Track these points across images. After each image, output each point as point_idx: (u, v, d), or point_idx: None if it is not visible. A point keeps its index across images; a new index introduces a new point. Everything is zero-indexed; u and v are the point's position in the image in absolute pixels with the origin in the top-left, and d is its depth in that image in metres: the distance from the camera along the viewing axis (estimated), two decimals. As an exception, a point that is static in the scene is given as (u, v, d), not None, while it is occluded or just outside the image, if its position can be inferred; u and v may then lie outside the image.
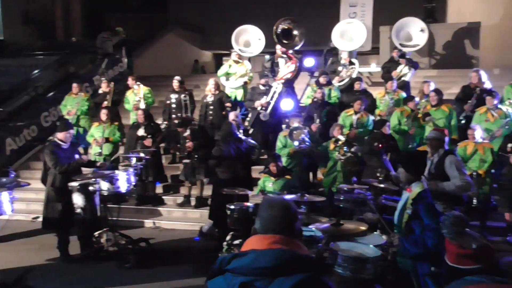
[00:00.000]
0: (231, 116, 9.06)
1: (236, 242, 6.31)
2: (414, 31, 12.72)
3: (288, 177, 7.58)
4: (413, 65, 10.98)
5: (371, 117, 9.35)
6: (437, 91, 9.02)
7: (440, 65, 14.63)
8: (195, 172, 9.14)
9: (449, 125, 8.69)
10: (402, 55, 11.35)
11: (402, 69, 10.85)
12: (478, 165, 7.57)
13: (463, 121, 9.09)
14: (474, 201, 7.15)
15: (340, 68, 10.97)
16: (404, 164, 4.58)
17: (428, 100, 9.28)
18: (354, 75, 10.92)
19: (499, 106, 8.71)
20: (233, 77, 10.81)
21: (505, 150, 7.53)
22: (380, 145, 7.88)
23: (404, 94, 9.97)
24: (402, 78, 10.79)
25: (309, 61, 11.01)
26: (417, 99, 9.67)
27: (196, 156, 8.98)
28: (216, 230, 7.65)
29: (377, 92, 10.46)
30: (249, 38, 11.98)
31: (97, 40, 14.50)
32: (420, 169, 4.63)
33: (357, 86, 10.10)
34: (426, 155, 5.38)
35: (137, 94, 10.74)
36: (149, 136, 9.33)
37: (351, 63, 11.06)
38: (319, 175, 9.09)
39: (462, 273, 2.37)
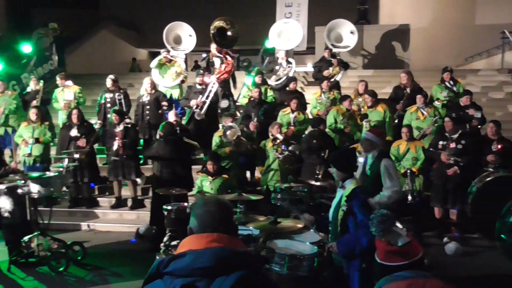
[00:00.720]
0: (172, 116, 8.91)
1: (174, 243, 6.21)
2: (345, 33, 13.09)
3: (225, 176, 7.55)
4: (344, 65, 11.22)
5: (308, 116, 9.50)
6: (372, 93, 9.28)
7: (374, 65, 15.12)
8: (123, 171, 8.95)
9: (384, 125, 8.98)
10: (334, 55, 11.60)
11: (334, 69, 11.06)
12: (411, 163, 7.83)
13: (396, 121, 9.41)
14: (409, 197, 7.36)
15: (277, 67, 11.08)
16: (335, 163, 4.67)
17: (363, 100, 9.56)
18: (291, 74, 11.07)
19: (429, 105, 9.09)
20: (169, 77, 10.66)
21: (435, 147, 7.87)
22: (318, 143, 8.05)
23: (338, 94, 10.21)
24: (334, 78, 10.98)
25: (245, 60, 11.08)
26: (352, 97, 9.96)
27: (125, 155, 8.81)
28: (154, 232, 7.56)
29: (313, 92, 10.65)
30: (179, 34, 11.89)
31: (32, 37, 13.90)
32: (351, 166, 4.73)
33: (292, 86, 10.23)
34: (354, 151, 5.51)
35: (67, 93, 10.38)
36: (82, 136, 9.05)
37: (288, 62, 11.19)
38: (257, 173, 9.14)
39: (391, 270, 2.46)
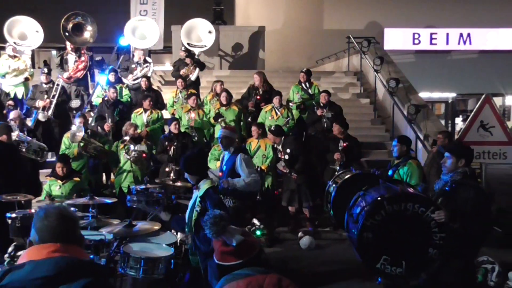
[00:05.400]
0: (13, 115, 8.24)
1: (20, 253, 5.75)
2: (203, 32, 13.19)
3: (77, 179, 7.18)
4: (198, 65, 11.30)
5: (162, 114, 9.41)
6: (228, 92, 9.46)
7: (230, 65, 15.43)
8: None
9: (239, 124, 9.19)
10: (189, 55, 11.62)
11: (188, 69, 11.07)
12: (261, 161, 8.03)
13: (249, 119, 9.69)
14: (258, 196, 7.44)
15: (133, 66, 10.81)
16: (185, 168, 4.67)
17: (219, 100, 9.69)
18: (149, 74, 10.87)
19: (283, 105, 9.48)
20: (10, 74, 9.88)
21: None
22: (170, 144, 8.03)
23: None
24: (189, 77, 10.97)
25: (98, 57, 10.68)
26: (208, 97, 10.05)
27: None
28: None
29: (171, 91, 10.57)
30: (24, 30, 11.12)
31: None
32: (202, 167, 4.75)
33: (144, 84, 10.07)
34: (203, 153, 5.54)
35: None
36: None
37: (145, 61, 10.97)
38: (113, 176, 8.83)
39: (228, 270, 2.52)
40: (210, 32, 13.19)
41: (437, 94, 18.68)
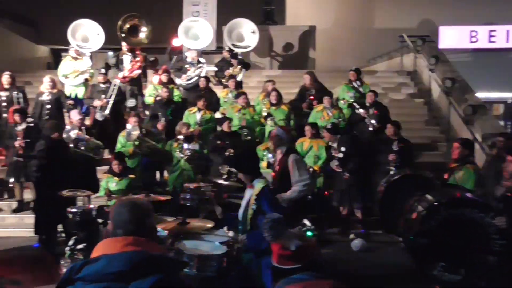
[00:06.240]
0: (74, 115, 8.54)
1: (80, 246, 5.99)
2: (246, 32, 13.13)
3: (132, 176, 7.40)
4: (244, 65, 11.33)
5: (216, 115, 9.50)
6: (277, 91, 9.44)
7: (281, 65, 15.41)
8: (25, 172, 8.46)
9: (289, 124, 9.15)
10: (234, 55, 11.67)
11: (234, 69, 11.12)
12: (313, 161, 7.99)
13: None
14: (309, 196, 7.43)
15: (187, 66, 10.97)
16: (237, 167, 4.70)
17: (269, 100, 9.71)
18: (203, 74, 11.02)
19: (335, 105, 9.39)
20: (72, 75, 10.25)
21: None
22: (221, 143, 8.09)
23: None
24: (235, 77, 11.00)
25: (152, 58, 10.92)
26: (260, 97, 10.07)
27: (26, 155, 8.33)
28: (43, 237, 7.26)
29: (221, 91, 10.68)
30: (86, 33, 11.50)
31: None
32: (254, 166, 4.77)
33: (202, 84, 10.19)
34: (254, 152, 5.56)
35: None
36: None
37: (199, 62, 11.11)
38: (166, 174, 9.01)
39: (285, 273, 2.54)
40: (253, 32, 13.07)
41: (495, 94, 17.94)
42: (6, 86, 9.45)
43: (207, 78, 10.51)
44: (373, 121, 9.08)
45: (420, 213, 4.27)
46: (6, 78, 9.48)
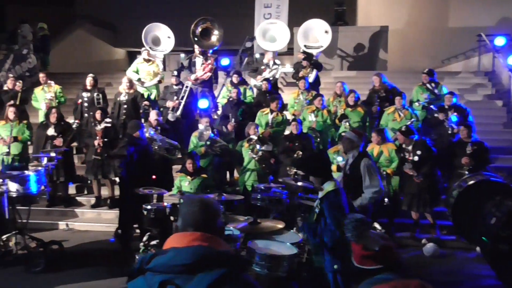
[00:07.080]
0: (153, 115, 8.88)
1: (153, 242, 6.22)
2: (319, 32, 13.10)
3: (204, 175, 7.58)
4: (316, 66, 11.28)
5: (287, 117, 9.54)
6: (355, 92, 9.31)
7: (351, 66, 15.23)
8: (102, 170, 8.89)
9: (364, 126, 9.04)
10: (306, 57, 11.65)
11: (305, 71, 11.10)
12: (386, 165, 7.82)
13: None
14: (386, 199, 7.35)
15: (262, 67, 11.12)
16: (307, 170, 4.68)
17: (342, 101, 9.63)
18: (277, 75, 11.12)
19: (407, 107, 9.18)
20: (146, 76, 10.66)
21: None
22: (291, 144, 8.11)
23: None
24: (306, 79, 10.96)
25: (225, 61, 11.09)
26: (331, 99, 10.00)
27: (105, 154, 8.75)
28: (119, 231, 7.59)
29: (291, 92, 10.71)
30: (158, 35, 11.90)
31: (22, 29, 13.78)
32: (324, 169, 4.72)
33: (265, 87, 10.29)
34: (323, 155, 5.51)
35: (47, 92, 10.25)
36: (59, 135, 8.95)
37: (274, 63, 11.23)
38: (236, 174, 9.15)
39: (368, 273, 2.52)
40: (326, 32, 13.04)
41: None
42: (89, 88, 10.00)
43: (269, 81, 10.57)
44: (453, 125, 8.79)
45: (501, 218, 4.11)
46: (89, 80, 10.02)
